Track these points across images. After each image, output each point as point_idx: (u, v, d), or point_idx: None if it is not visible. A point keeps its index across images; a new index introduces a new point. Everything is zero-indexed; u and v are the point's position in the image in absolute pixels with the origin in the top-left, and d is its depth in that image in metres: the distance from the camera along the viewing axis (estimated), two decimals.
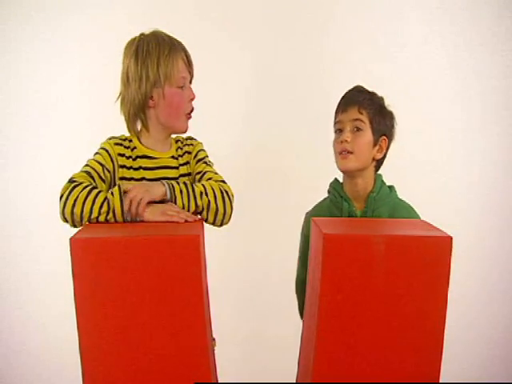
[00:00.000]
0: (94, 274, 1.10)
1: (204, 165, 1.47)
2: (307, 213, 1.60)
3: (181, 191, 1.32)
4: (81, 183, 1.26)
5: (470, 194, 2.26)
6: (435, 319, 1.15)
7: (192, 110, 1.46)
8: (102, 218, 1.24)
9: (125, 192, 1.26)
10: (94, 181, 1.32)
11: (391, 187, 1.54)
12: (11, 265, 2.24)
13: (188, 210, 1.31)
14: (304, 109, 2.23)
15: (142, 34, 1.42)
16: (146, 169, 1.42)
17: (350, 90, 1.55)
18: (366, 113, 1.47)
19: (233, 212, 1.37)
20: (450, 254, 1.14)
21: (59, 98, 2.19)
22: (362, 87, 1.55)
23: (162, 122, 1.44)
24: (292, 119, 2.24)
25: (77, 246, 1.09)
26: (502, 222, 2.28)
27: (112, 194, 1.25)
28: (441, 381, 1.19)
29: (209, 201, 1.33)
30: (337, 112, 1.53)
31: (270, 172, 2.25)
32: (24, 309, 2.25)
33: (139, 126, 1.46)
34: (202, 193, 1.33)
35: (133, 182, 1.39)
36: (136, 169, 1.42)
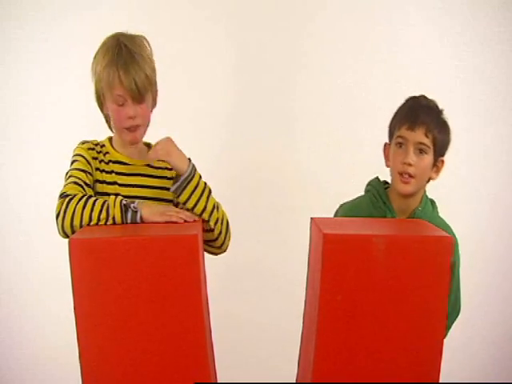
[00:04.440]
0: (92, 274, 1.10)
1: None
2: (341, 205, 1.56)
3: (199, 180, 1.32)
4: (74, 195, 1.25)
5: (471, 193, 2.26)
6: (435, 319, 1.15)
7: (137, 126, 1.39)
8: (101, 224, 1.23)
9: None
10: (83, 189, 1.31)
11: (433, 202, 1.53)
12: (10, 265, 2.24)
13: (197, 202, 1.31)
14: (303, 109, 2.23)
15: (110, 36, 1.40)
16: (118, 173, 1.41)
17: (417, 103, 1.49)
18: (431, 136, 1.43)
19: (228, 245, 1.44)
20: (450, 254, 1.14)
21: (59, 97, 2.19)
22: (428, 101, 1.50)
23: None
24: (291, 119, 2.24)
25: (75, 247, 1.09)
26: (502, 222, 2.28)
27: (114, 202, 1.24)
28: (441, 381, 1.19)
29: (218, 214, 1.35)
30: (400, 124, 1.46)
31: (268, 172, 2.25)
32: (23, 309, 2.25)
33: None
34: (215, 205, 1.35)
35: (104, 185, 1.39)
36: (108, 172, 1.40)
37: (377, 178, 1.55)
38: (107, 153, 1.43)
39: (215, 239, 1.39)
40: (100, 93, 1.39)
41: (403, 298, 1.14)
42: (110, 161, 1.42)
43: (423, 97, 1.51)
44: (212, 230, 1.36)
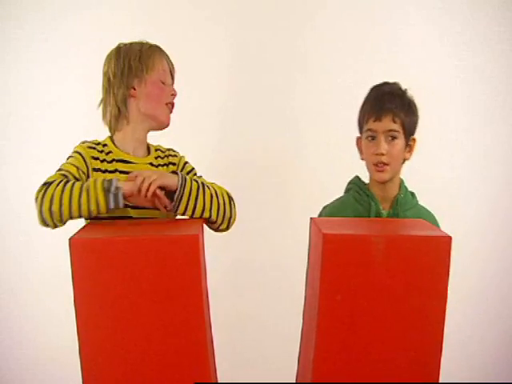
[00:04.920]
0: (93, 274, 1.10)
1: (196, 177, 1.47)
2: (325, 207, 1.57)
3: (190, 188, 1.32)
4: (53, 181, 1.24)
5: (471, 193, 2.26)
6: (435, 319, 1.15)
7: (173, 105, 1.46)
8: (84, 210, 1.21)
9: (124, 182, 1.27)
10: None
11: (412, 193, 1.55)
12: (10, 265, 2.24)
13: (194, 209, 1.32)
14: (303, 108, 2.23)
15: (121, 43, 1.45)
16: (122, 172, 1.40)
17: (379, 91, 1.51)
18: (399, 120, 1.45)
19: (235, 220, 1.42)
20: (450, 254, 1.14)
21: (59, 97, 2.19)
22: (391, 85, 1.51)
23: (143, 112, 1.43)
24: (290, 119, 2.24)
25: (76, 247, 1.09)
26: (502, 222, 2.28)
27: (94, 183, 1.23)
28: (441, 381, 1.19)
29: (218, 203, 1.35)
30: (367, 117, 1.48)
31: (268, 171, 2.25)
32: (23, 309, 2.25)
33: (119, 121, 1.44)
34: (212, 195, 1.35)
35: None
36: (112, 171, 1.39)
37: (356, 176, 1.57)
38: (110, 152, 1.42)
39: (221, 223, 1.39)
40: (132, 78, 1.40)
41: (403, 298, 1.14)
42: (113, 159, 1.41)
43: (385, 83, 1.53)
44: (215, 221, 1.38)
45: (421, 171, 2.19)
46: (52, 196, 1.21)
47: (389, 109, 1.45)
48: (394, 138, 1.46)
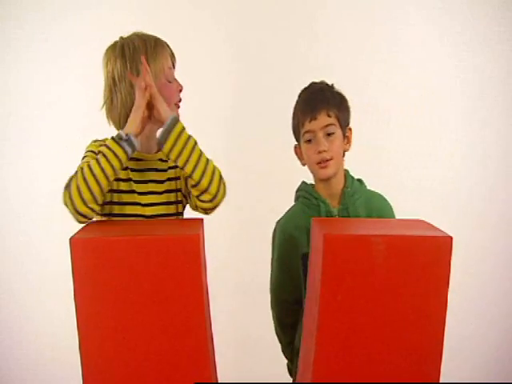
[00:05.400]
0: (94, 274, 1.10)
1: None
2: (278, 222, 1.55)
3: (181, 132, 1.30)
4: (72, 178, 1.24)
5: (471, 193, 2.26)
6: (435, 319, 1.15)
7: (180, 100, 1.45)
8: (109, 173, 1.23)
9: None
10: None
11: (360, 180, 1.54)
12: (10, 265, 2.24)
13: (179, 154, 1.29)
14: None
15: (121, 37, 1.41)
16: (133, 170, 1.39)
17: (309, 92, 1.52)
18: (333, 114, 1.46)
19: (223, 199, 1.34)
20: (450, 254, 1.14)
21: (59, 97, 2.19)
22: (318, 83, 1.53)
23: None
24: (290, 119, 2.23)
25: (77, 246, 1.09)
26: (502, 222, 2.28)
27: (105, 144, 1.26)
28: (441, 381, 1.19)
29: (206, 165, 1.30)
30: (302, 120, 1.48)
31: (268, 173, 2.25)
32: (23, 309, 2.25)
33: None
34: (201, 157, 1.30)
35: (120, 182, 1.37)
36: (123, 169, 1.37)
37: (303, 182, 1.57)
38: None
39: (204, 190, 1.31)
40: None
41: (403, 298, 1.14)
42: None
43: (312, 83, 1.54)
44: (198, 183, 1.30)
45: (420, 171, 2.21)
46: (77, 188, 1.21)
47: (322, 105, 1.46)
48: (331, 133, 1.45)
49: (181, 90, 1.45)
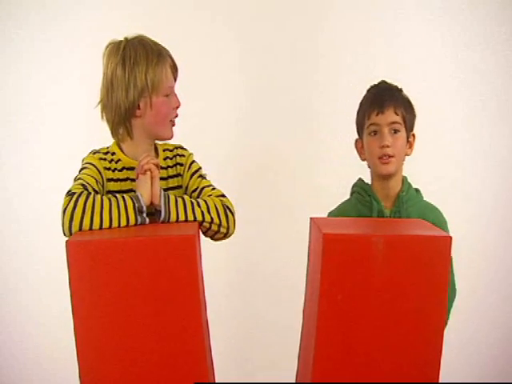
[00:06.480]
0: (90, 276, 1.10)
1: (200, 179, 1.45)
2: (330, 212, 1.58)
3: (176, 203, 1.31)
4: (81, 193, 1.22)
5: (471, 193, 2.26)
6: (435, 319, 1.15)
7: (176, 117, 1.44)
8: (114, 223, 1.22)
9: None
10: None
11: (417, 190, 1.55)
12: (10, 265, 2.24)
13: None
14: (303, 109, 2.23)
15: (126, 39, 1.39)
16: (133, 180, 1.37)
17: (379, 88, 1.54)
18: (400, 113, 1.48)
19: (235, 227, 1.39)
20: (450, 254, 1.14)
21: (59, 97, 2.19)
22: (388, 82, 1.55)
23: (147, 131, 1.41)
24: (291, 119, 2.24)
25: (73, 249, 1.09)
26: (502, 222, 2.28)
27: (124, 202, 1.24)
28: (441, 381, 1.19)
29: (212, 218, 1.33)
30: (369, 113, 1.49)
31: (268, 173, 2.25)
32: (23, 309, 2.25)
33: (121, 133, 1.41)
34: (203, 212, 1.33)
35: (120, 182, 1.38)
36: (123, 180, 1.38)
37: (359, 178, 1.58)
38: (119, 160, 1.40)
39: (216, 231, 1.36)
40: (138, 97, 1.36)
41: (403, 298, 1.14)
42: (123, 168, 1.40)
43: (383, 81, 1.56)
44: (209, 228, 1.35)
45: (420, 171, 2.20)
46: (83, 209, 1.20)
47: (390, 102, 1.48)
48: (396, 130, 1.47)
49: (178, 107, 1.43)
